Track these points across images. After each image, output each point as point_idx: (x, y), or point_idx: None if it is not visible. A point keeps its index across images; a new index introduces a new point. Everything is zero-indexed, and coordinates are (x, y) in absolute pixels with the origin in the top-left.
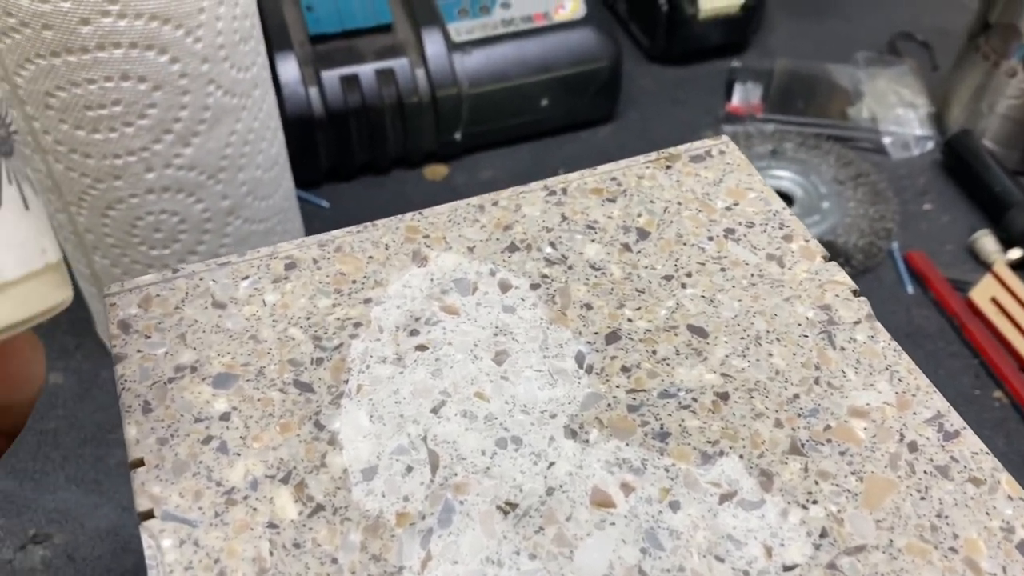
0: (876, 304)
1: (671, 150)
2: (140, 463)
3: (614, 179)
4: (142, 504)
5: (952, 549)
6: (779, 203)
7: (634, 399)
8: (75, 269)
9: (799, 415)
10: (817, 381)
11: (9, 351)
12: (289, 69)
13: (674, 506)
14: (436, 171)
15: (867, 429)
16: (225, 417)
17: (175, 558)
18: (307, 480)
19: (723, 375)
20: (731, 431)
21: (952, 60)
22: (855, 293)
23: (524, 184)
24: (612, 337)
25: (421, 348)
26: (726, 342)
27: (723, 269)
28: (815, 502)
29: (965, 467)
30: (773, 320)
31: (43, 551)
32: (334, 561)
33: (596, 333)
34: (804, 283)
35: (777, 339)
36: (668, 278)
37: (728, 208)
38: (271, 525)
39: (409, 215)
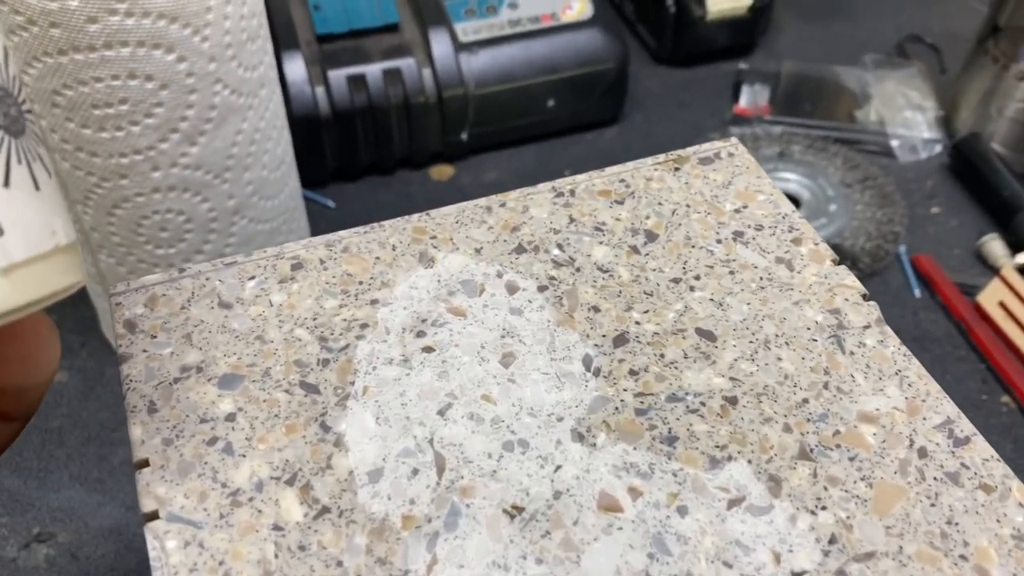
0: (883, 308)
1: (680, 152)
2: (145, 464)
3: (622, 181)
4: (147, 505)
5: (962, 557)
6: (788, 206)
7: (642, 403)
8: None
9: (808, 420)
10: (826, 386)
11: (21, 333)
12: (296, 68)
13: (682, 511)
14: (442, 171)
15: (876, 434)
16: (231, 418)
17: (180, 559)
18: (313, 482)
19: (731, 379)
20: (739, 436)
21: (961, 63)
22: (865, 297)
23: (530, 185)
24: (620, 340)
25: (428, 350)
26: (735, 346)
27: (732, 272)
28: (824, 508)
29: (975, 474)
30: (782, 324)
31: (47, 549)
32: (339, 564)
33: (604, 336)
34: (813, 287)
35: (786, 343)
36: (676, 281)
37: (737, 211)
38: (276, 527)
39: (416, 216)
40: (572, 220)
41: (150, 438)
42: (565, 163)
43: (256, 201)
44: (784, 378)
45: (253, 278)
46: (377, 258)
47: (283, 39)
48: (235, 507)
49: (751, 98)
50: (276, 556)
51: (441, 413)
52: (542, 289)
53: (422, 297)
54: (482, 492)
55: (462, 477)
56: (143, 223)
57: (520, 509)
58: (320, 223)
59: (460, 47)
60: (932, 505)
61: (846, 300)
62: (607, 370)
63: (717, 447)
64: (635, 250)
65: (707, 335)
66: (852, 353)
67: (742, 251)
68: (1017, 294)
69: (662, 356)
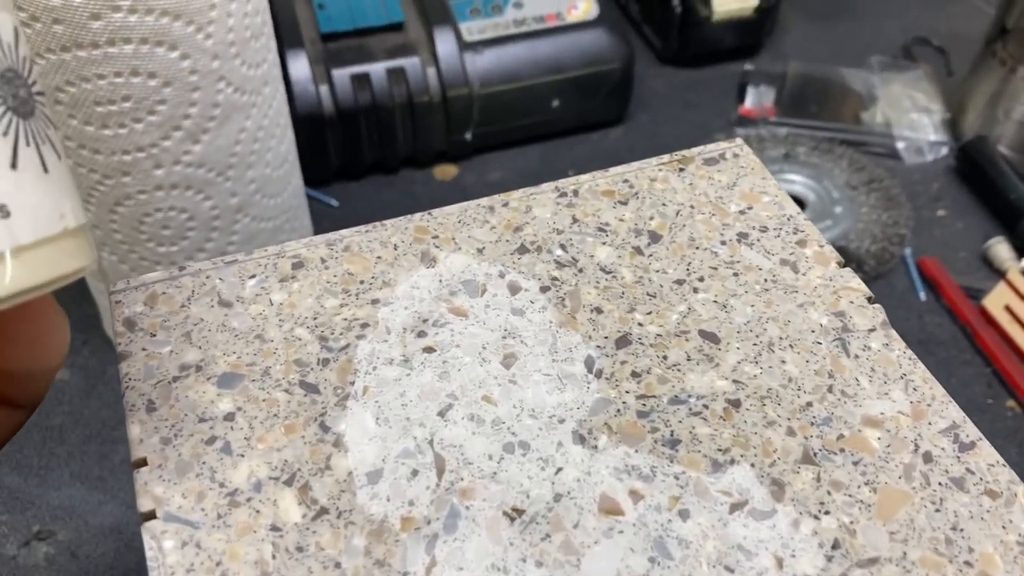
0: (888, 311)
1: (684, 152)
2: (143, 463)
3: (626, 181)
4: (144, 505)
5: (967, 563)
6: (793, 207)
7: (644, 405)
8: None
9: (812, 423)
10: (831, 389)
11: (30, 315)
12: (300, 67)
13: (683, 515)
14: (446, 171)
15: (881, 439)
16: (229, 417)
17: (176, 560)
18: (311, 482)
19: (735, 382)
20: (742, 439)
21: (968, 65)
22: (870, 300)
23: (534, 185)
24: (622, 341)
25: (428, 350)
26: (738, 348)
27: (736, 274)
28: (827, 513)
29: (981, 479)
30: (786, 326)
31: (46, 548)
32: (337, 566)
33: (606, 337)
34: (818, 289)
35: (790, 346)
36: (680, 282)
37: (742, 212)
38: (274, 528)
39: (418, 215)
40: (575, 220)
41: (148, 437)
42: (569, 163)
43: (259, 199)
44: (788, 381)
45: (254, 276)
46: (379, 257)
47: (287, 37)
48: (233, 507)
49: (756, 99)
50: (274, 557)
51: (441, 414)
52: (544, 290)
53: (423, 297)
54: (482, 494)
55: (462, 479)
56: (145, 220)
57: (520, 511)
58: (323, 222)
59: (465, 46)
60: (937, 510)
61: (851, 303)
62: (609, 372)
63: (720, 450)
64: (638, 251)
65: (710, 337)
66: (857, 356)
67: (746, 253)
68: (1023, 298)
69: (665, 358)
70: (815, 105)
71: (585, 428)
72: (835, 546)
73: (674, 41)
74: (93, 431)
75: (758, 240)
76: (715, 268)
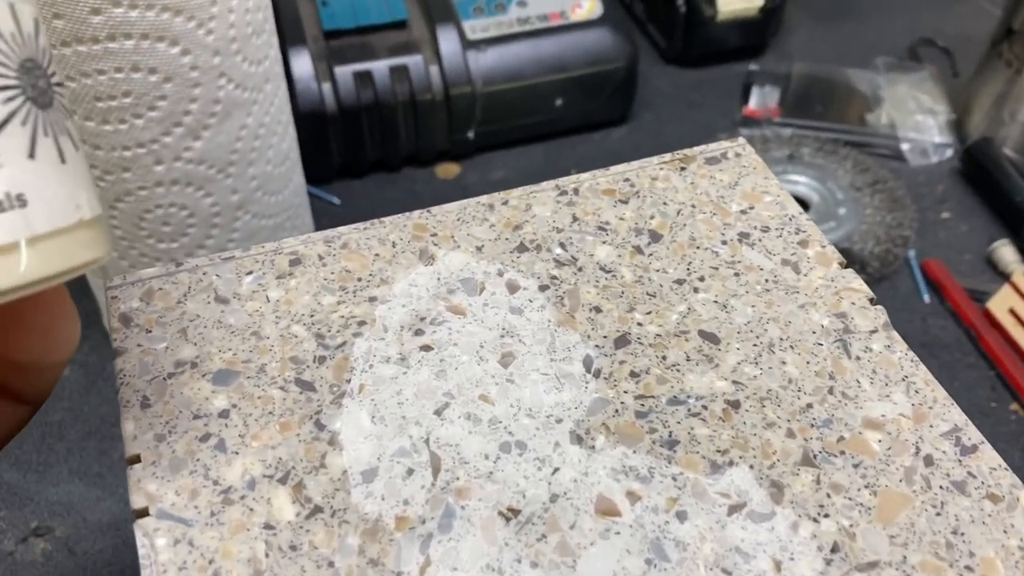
0: (891, 313)
1: (686, 151)
2: (137, 459)
3: (627, 180)
4: (137, 502)
5: (968, 568)
6: (795, 207)
7: (642, 405)
8: None
9: (812, 425)
10: (831, 391)
11: (44, 305)
12: (302, 64)
13: (681, 516)
14: (448, 170)
15: (882, 441)
16: (224, 414)
17: (169, 557)
18: (306, 481)
19: (735, 383)
20: (741, 440)
21: (974, 67)
22: (872, 301)
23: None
24: (621, 341)
25: (426, 348)
26: (738, 349)
27: (737, 274)
28: (827, 516)
29: (983, 483)
30: (787, 327)
31: (44, 544)
32: (331, 565)
33: (605, 337)
34: (820, 290)
35: (791, 347)
36: (680, 282)
37: (743, 212)
38: (267, 526)
39: (417, 213)
40: (575, 219)
41: (142, 433)
42: (572, 162)
43: (260, 196)
44: (788, 382)
45: (251, 273)
46: (377, 255)
47: (290, 34)
48: (226, 505)
49: (761, 99)
50: (267, 555)
51: (438, 413)
52: (543, 288)
53: (421, 295)
54: (478, 494)
55: (458, 478)
56: (146, 217)
57: (516, 512)
58: (325, 220)
59: (468, 45)
60: (938, 514)
61: (853, 304)
62: (608, 372)
63: (718, 451)
64: (639, 250)
65: (710, 337)
66: (858, 358)
67: (747, 253)
68: None
69: (664, 358)
70: (820, 106)
71: (583, 428)
72: (834, 549)
73: (679, 40)
74: (92, 427)
75: (759, 240)
76: (716, 268)
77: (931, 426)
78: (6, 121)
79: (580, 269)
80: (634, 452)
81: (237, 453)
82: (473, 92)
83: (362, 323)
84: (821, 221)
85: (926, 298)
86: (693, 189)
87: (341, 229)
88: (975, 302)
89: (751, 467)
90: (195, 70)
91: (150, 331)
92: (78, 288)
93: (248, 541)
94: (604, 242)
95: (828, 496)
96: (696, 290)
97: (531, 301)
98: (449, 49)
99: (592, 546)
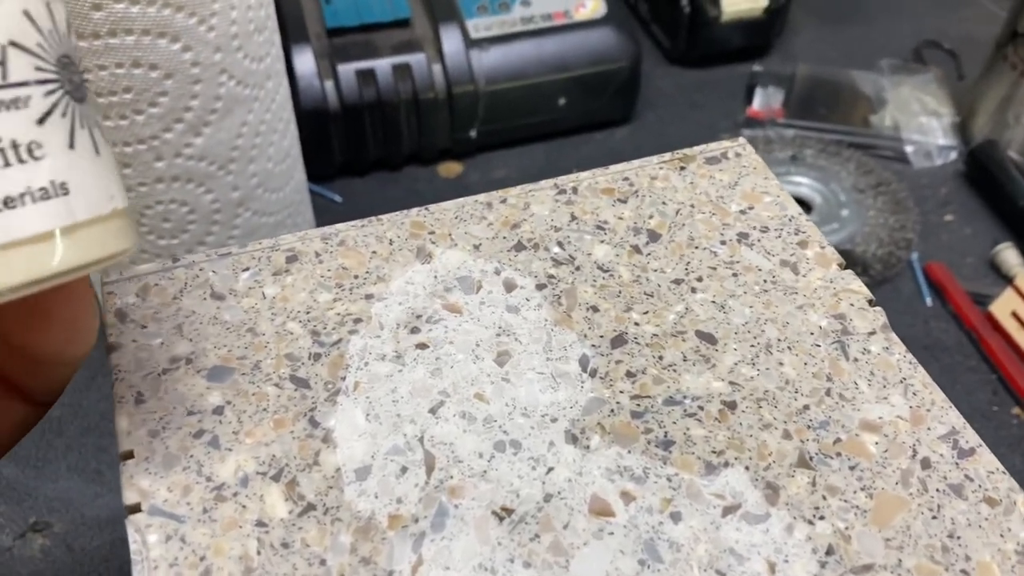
0: (894, 315)
1: (685, 151)
2: (130, 455)
3: (626, 179)
4: (130, 497)
5: (964, 572)
6: (795, 208)
7: (638, 405)
8: None
9: (808, 427)
10: (828, 392)
11: (70, 295)
12: (305, 62)
13: (675, 517)
14: (450, 168)
15: (879, 444)
16: (218, 411)
17: (160, 554)
18: (299, 478)
19: (731, 383)
20: (737, 441)
21: (979, 69)
22: (871, 303)
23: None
24: (618, 341)
25: (421, 346)
26: (735, 349)
27: (735, 274)
28: (822, 518)
29: (980, 486)
30: (785, 328)
31: (42, 539)
32: (323, 563)
33: (601, 336)
34: (818, 291)
35: (788, 348)
36: (678, 282)
37: (742, 212)
38: (260, 523)
39: (415, 210)
40: (574, 218)
41: (136, 429)
42: (575, 162)
43: (261, 194)
44: (785, 383)
45: (247, 269)
46: (373, 252)
47: (293, 32)
48: (219, 502)
49: (765, 100)
50: (259, 553)
51: (433, 411)
52: (540, 287)
53: (418, 293)
54: (471, 493)
55: (451, 477)
56: (146, 213)
57: (509, 511)
58: (326, 218)
59: (471, 43)
60: (934, 518)
61: (851, 305)
62: (604, 371)
63: (714, 452)
64: (637, 250)
65: (707, 338)
66: (856, 359)
67: (746, 253)
68: None
69: (661, 358)
70: (824, 107)
71: (578, 428)
72: (829, 552)
73: (683, 41)
74: (91, 423)
75: (758, 240)
76: (714, 268)
77: (929, 429)
78: (48, 113)
79: (578, 268)
80: (629, 452)
81: (231, 450)
82: (476, 91)
83: (358, 320)
84: (824, 223)
85: (928, 301)
86: (692, 189)
87: (338, 226)
88: (978, 305)
89: (746, 468)
90: (196, 66)
91: (145, 327)
92: None
93: (240, 538)
94: (602, 241)
95: (824, 498)
96: (694, 290)
97: (528, 300)
98: (452, 48)
99: (585, 546)
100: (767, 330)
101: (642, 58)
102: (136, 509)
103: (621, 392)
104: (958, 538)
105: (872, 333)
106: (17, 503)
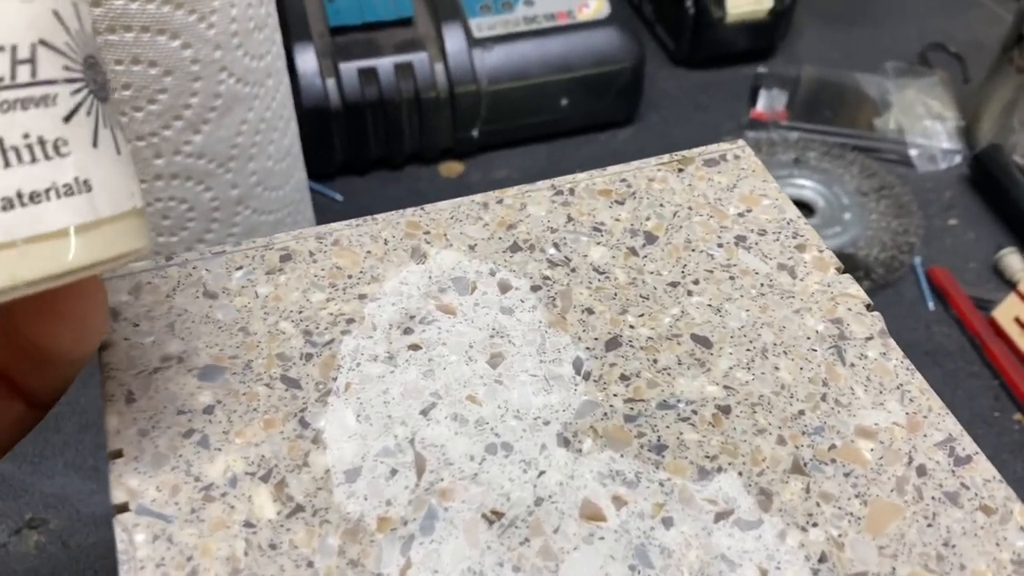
0: (896, 320)
1: (684, 153)
2: (119, 454)
3: (624, 180)
4: (117, 497)
5: None
6: (794, 211)
7: (631, 409)
8: None
9: (803, 433)
10: (824, 398)
11: (83, 292)
12: (307, 60)
13: (667, 522)
14: (451, 168)
15: (874, 450)
16: (209, 410)
17: (147, 554)
18: (288, 479)
19: (726, 388)
20: (731, 446)
21: (984, 73)
22: (868, 307)
23: None
24: (612, 344)
25: (414, 347)
26: (731, 353)
27: (732, 277)
28: (815, 525)
29: (976, 494)
30: (781, 332)
31: (38, 536)
32: (310, 565)
33: (596, 339)
34: (815, 295)
35: (784, 352)
36: (674, 285)
37: (740, 214)
38: (248, 524)
39: (410, 210)
40: (570, 219)
41: (126, 428)
42: (577, 163)
43: (260, 192)
44: (780, 388)
45: (240, 268)
46: (368, 252)
47: (295, 30)
48: (207, 502)
49: (768, 102)
50: (246, 554)
51: (424, 413)
52: (535, 289)
53: (412, 293)
54: (461, 495)
55: (442, 479)
56: (145, 210)
57: (499, 514)
58: (327, 216)
59: (474, 43)
60: (929, 526)
61: (849, 310)
62: (597, 374)
63: (707, 457)
64: (633, 252)
65: (703, 341)
66: (853, 365)
67: (743, 256)
68: None
69: (655, 362)
70: (828, 110)
71: (570, 431)
72: (822, 559)
73: (687, 42)
74: (88, 420)
75: (756, 244)
76: (711, 271)
77: (925, 435)
78: (75, 111)
79: (573, 270)
80: (621, 456)
81: (220, 450)
82: (478, 90)
83: (351, 321)
84: (826, 226)
85: (931, 305)
86: (690, 191)
87: (333, 225)
88: (980, 310)
89: (740, 474)
90: (196, 64)
91: (137, 325)
92: None
93: (227, 539)
94: (598, 243)
95: (817, 505)
96: (690, 293)
97: (522, 301)
98: (455, 47)
99: (575, 551)
100: (763, 334)
101: (645, 59)
102: (124, 508)
103: (614, 395)
104: (953, 547)
105: (869, 338)
106: (13, 499)
